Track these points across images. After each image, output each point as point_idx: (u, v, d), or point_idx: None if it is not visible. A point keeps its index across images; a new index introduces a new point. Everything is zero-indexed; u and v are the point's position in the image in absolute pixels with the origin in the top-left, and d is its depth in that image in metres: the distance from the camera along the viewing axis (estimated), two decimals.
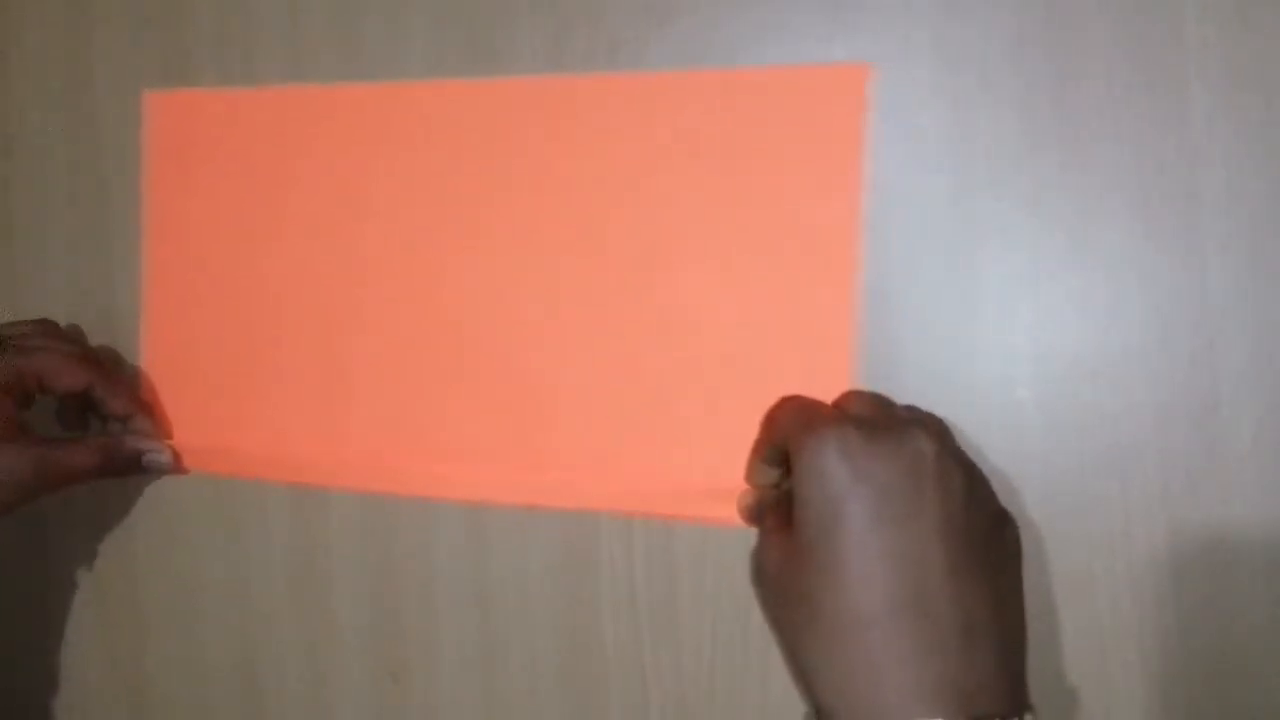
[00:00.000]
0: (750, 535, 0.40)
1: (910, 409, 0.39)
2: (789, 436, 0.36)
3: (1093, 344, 0.39)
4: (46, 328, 0.47)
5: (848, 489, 0.33)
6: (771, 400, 0.39)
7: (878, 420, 0.36)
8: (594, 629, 0.44)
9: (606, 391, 0.44)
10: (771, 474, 0.40)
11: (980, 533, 0.34)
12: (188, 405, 0.48)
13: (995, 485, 0.39)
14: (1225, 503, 0.38)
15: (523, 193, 0.45)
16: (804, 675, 0.34)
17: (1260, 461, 0.38)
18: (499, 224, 0.45)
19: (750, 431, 0.40)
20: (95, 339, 0.50)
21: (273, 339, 0.47)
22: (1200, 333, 0.38)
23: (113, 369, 0.47)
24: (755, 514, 0.40)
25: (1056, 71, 0.40)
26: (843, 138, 0.41)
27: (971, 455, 0.37)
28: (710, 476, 0.42)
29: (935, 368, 0.41)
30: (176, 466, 0.47)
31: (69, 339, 0.47)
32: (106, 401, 0.45)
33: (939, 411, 0.40)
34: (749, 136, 0.42)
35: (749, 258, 0.42)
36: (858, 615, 0.33)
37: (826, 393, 0.40)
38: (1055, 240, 0.40)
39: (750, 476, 0.41)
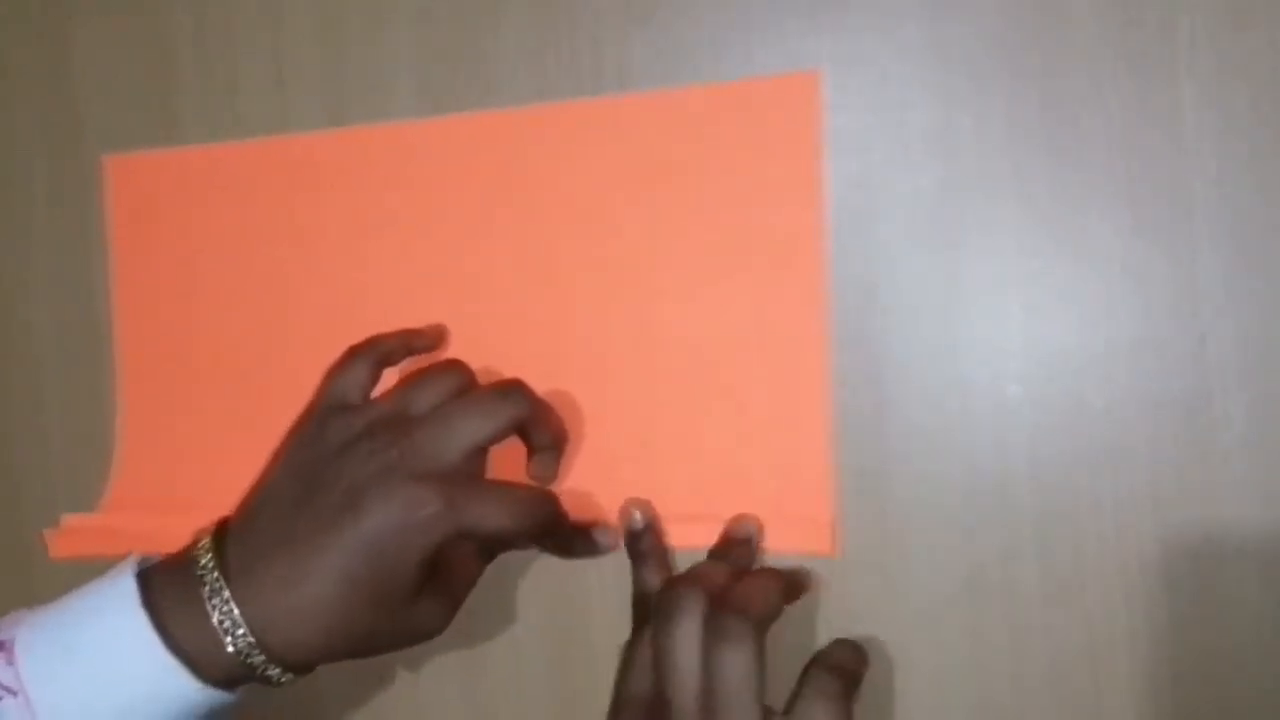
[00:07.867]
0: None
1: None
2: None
3: (1082, 340, 0.39)
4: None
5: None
6: (751, 415, 0.39)
7: None
8: (581, 631, 0.44)
9: (581, 414, 0.44)
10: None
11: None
12: (167, 465, 0.48)
13: (985, 482, 0.39)
14: (1216, 499, 0.38)
15: (494, 221, 0.44)
16: None
17: (1251, 456, 0.38)
18: (469, 254, 0.45)
19: (729, 452, 0.40)
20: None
21: (252, 399, 0.46)
22: (1190, 328, 0.38)
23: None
24: None
25: (1045, 66, 0.39)
26: (801, 144, 0.41)
27: (961, 453, 0.38)
28: (688, 500, 0.42)
29: (924, 364, 0.40)
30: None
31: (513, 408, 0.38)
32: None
33: (924, 409, 0.40)
34: (711, 151, 0.42)
35: (719, 272, 0.42)
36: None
37: (804, 398, 0.41)
38: (1044, 235, 0.39)
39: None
